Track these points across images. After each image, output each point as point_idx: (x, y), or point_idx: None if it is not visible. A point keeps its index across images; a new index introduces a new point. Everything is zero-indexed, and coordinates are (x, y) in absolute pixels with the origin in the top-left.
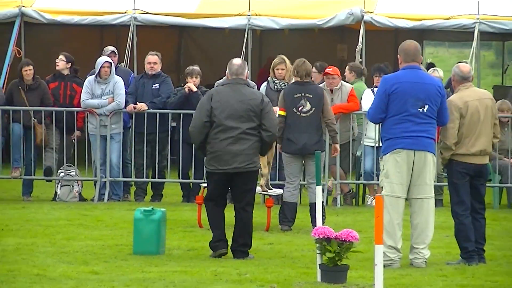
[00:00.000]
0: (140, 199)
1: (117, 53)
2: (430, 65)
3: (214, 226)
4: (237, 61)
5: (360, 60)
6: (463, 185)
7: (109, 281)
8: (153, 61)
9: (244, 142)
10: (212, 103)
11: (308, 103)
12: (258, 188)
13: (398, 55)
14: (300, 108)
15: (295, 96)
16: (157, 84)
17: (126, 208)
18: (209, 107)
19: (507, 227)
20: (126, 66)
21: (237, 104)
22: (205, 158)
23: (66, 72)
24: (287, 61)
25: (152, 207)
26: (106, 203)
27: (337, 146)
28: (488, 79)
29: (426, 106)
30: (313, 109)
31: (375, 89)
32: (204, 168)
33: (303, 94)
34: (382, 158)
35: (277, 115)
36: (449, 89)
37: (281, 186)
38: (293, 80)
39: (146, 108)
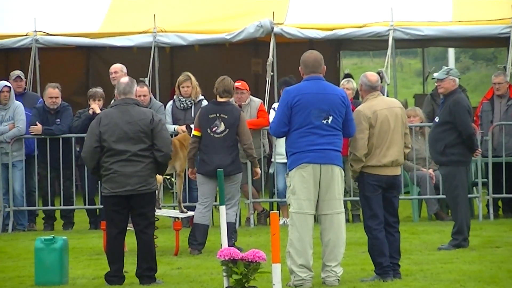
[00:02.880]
0: (49, 228)
1: (23, 77)
2: (347, 76)
3: (111, 259)
4: (124, 79)
5: (272, 73)
6: (375, 198)
7: None
8: (54, 95)
9: (137, 164)
10: (101, 127)
11: (222, 123)
12: (167, 211)
13: (299, 67)
14: (214, 129)
15: (210, 116)
16: (59, 120)
17: (31, 238)
18: (98, 131)
19: (426, 240)
20: (29, 90)
21: (126, 126)
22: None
23: None
24: (193, 78)
25: (53, 235)
26: (10, 234)
27: (258, 170)
28: (415, 88)
29: (330, 117)
30: (227, 130)
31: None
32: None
33: (218, 115)
34: (288, 174)
35: (191, 135)
36: None
37: (192, 208)
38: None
39: (40, 131)
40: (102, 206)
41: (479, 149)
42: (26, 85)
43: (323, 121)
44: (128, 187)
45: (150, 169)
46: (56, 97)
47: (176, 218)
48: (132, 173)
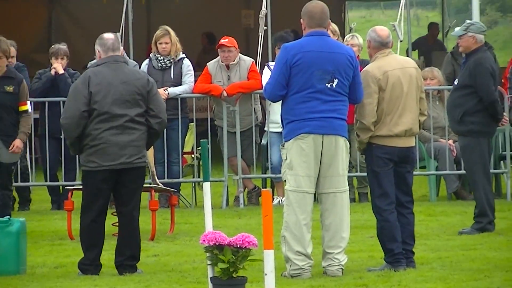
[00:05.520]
0: None
1: None
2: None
3: (88, 245)
4: (109, 35)
5: (265, 28)
6: (386, 173)
7: None
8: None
9: (132, 132)
10: (91, 87)
11: None
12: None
13: (301, 19)
14: None
15: None
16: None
17: None
18: (87, 92)
19: (445, 223)
20: None
21: (122, 86)
22: (79, 155)
23: None
24: (172, 33)
25: (8, 217)
26: None
27: None
28: None
29: (336, 80)
30: None
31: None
32: (78, 168)
33: None
34: (283, 146)
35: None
36: None
37: (172, 185)
38: None
39: None
40: (65, 183)
41: (506, 118)
42: None
43: (327, 84)
44: (122, 159)
45: (144, 139)
46: (12, 57)
47: (173, 191)
48: (127, 142)
